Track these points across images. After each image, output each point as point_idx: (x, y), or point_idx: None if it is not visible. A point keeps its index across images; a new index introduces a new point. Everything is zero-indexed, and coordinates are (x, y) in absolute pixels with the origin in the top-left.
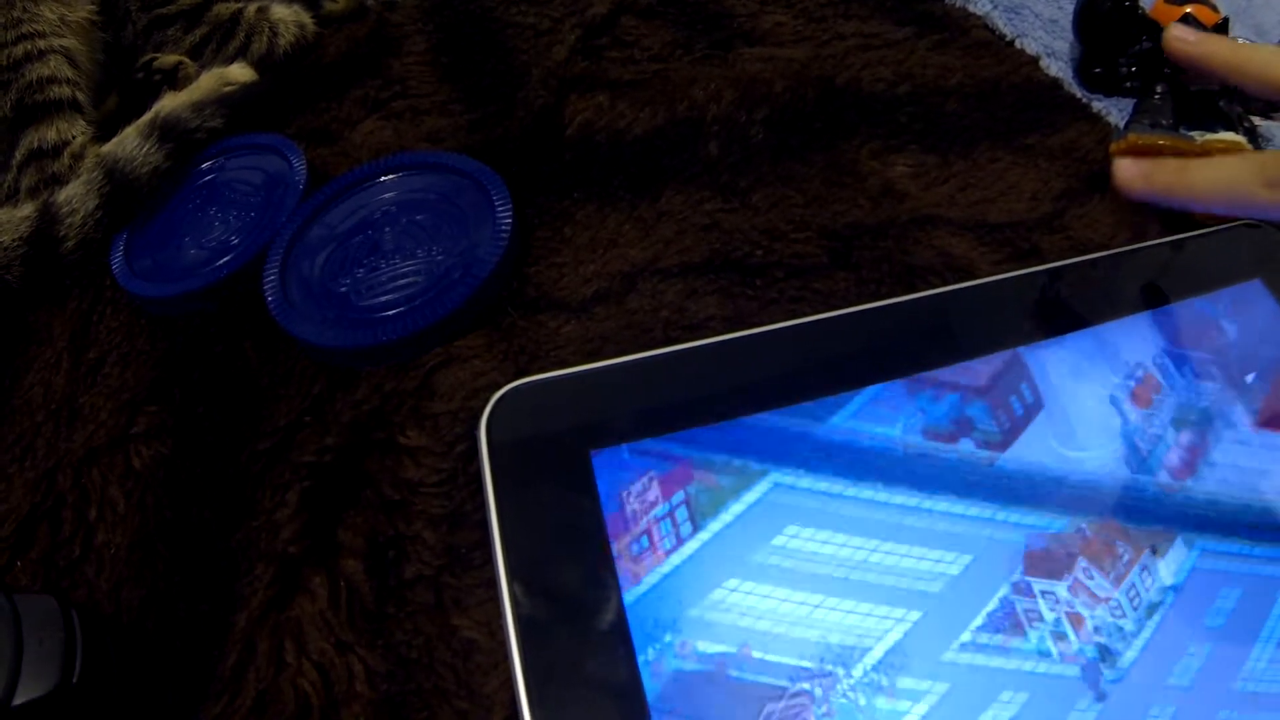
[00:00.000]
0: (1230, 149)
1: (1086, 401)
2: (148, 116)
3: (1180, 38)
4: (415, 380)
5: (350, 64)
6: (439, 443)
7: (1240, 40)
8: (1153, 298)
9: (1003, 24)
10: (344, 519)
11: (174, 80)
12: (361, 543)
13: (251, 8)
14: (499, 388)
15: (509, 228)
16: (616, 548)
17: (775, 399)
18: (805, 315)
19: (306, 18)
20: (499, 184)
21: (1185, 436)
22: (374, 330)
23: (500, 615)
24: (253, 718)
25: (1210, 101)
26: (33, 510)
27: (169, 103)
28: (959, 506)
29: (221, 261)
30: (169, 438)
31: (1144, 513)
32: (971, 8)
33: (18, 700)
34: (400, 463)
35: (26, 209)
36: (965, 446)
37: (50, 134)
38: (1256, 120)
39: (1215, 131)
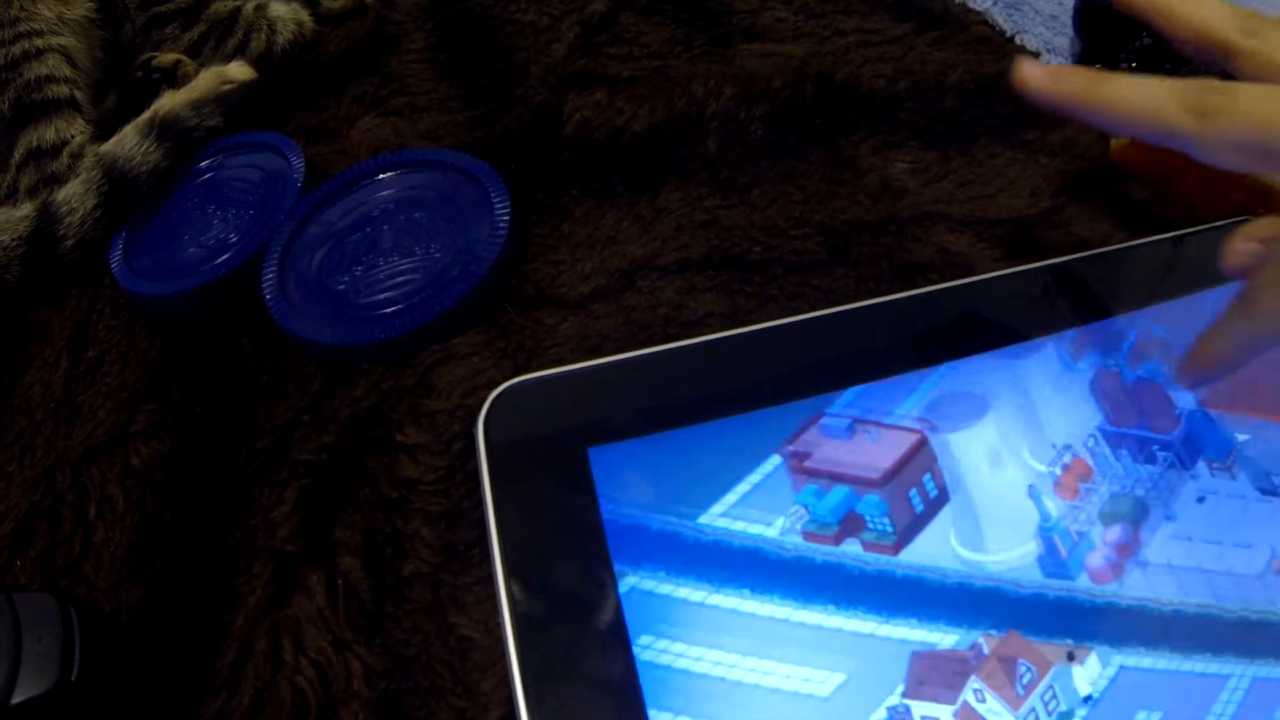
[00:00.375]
0: None
1: (1001, 493)
2: (146, 115)
3: None
4: (413, 378)
5: (349, 61)
6: (437, 440)
7: None
8: (1151, 294)
9: (1003, 20)
10: (341, 517)
11: (173, 78)
12: (359, 540)
13: (250, 5)
14: (497, 385)
15: (507, 225)
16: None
17: (774, 395)
18: (804, 312)
19: (305, 15)
20: (497, 181)
21: (1114, 533)
22: (372, 328)
23: (498, 613)
24: (251, 716)
25: None
26: (32, 509)
27: (168, 101)
28: (842, 613)
29: (220, 260)
30: (168, 436)
31: (1062, 618)
32: (971, 4)
33: (16, 698)
34: (398, 460)
35: (25, 208)
36: (855, 545)
37: (49, 133)
38: None
39: None
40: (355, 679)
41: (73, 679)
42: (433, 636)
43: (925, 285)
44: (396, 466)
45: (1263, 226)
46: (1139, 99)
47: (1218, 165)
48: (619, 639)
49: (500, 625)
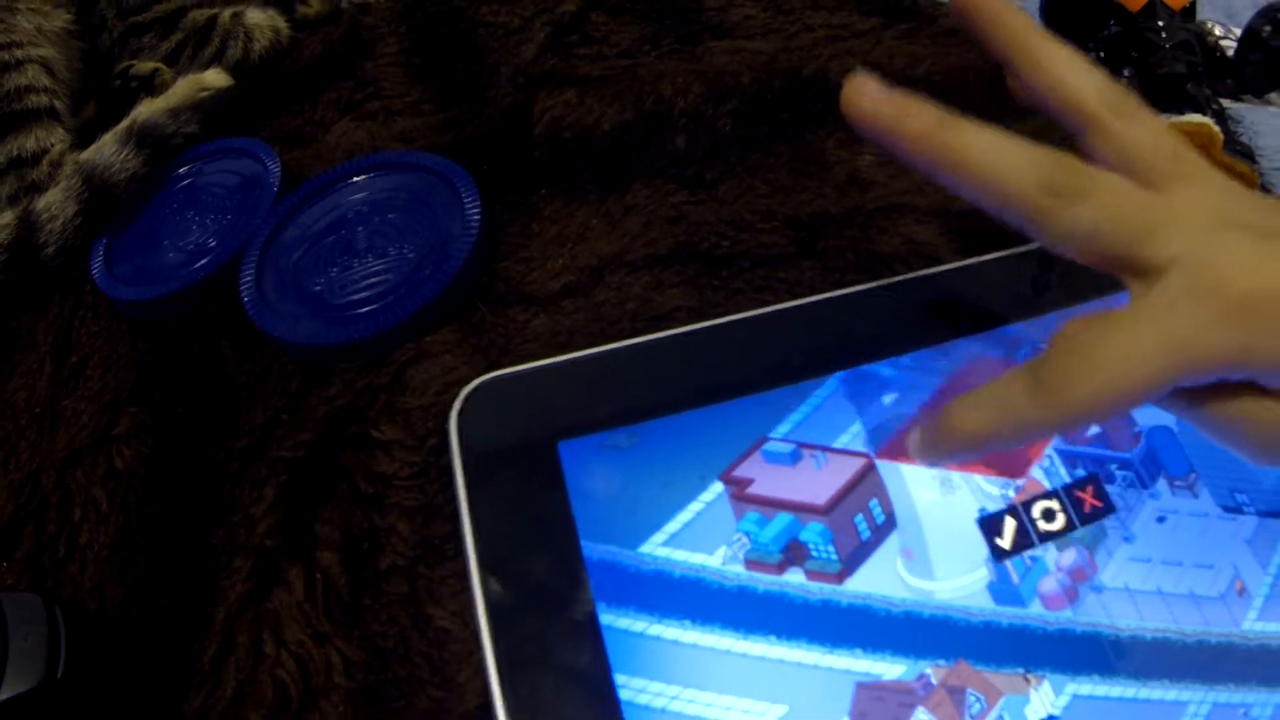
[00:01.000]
0: (1198, 131)
1: (952, 518)
2: (125, 123)
3: None
4: (388, 376)
5: (324, 66)
6: (411, 437)
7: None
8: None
9: None
10: (320, 513)
11: (151, 87)
12: (337, 535)
13: (226, 13)
14: (469, 382)
15: (478, 224)
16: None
17: (741, 387)
18: (771, 304)
19: (281, 22)
20: (468, 181)
21: (1069, 557)
22: (347, 327)
23: (472, 605)
24: (233, 709)
25: (1178, 84)
26: (17, 511)
27: (146, 109)
28: (784, 644)
29: (199, 264)
30: (150, 438)
31: (1013, 647)
32: None
33: (3, 695)
34: (374, 457)
35: (6, 216)
36: (798, 574)
37: (29, 142)
38: (1225, 103)
39: (1183, 114)
40: (335, 671)
41: (58, 676)
42: (410, 628)
43: (891, 276)
44: (373, 463)
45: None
46: (992, 161)
47: (1053, 249)
48: (590, 626)
49: (475, 617)
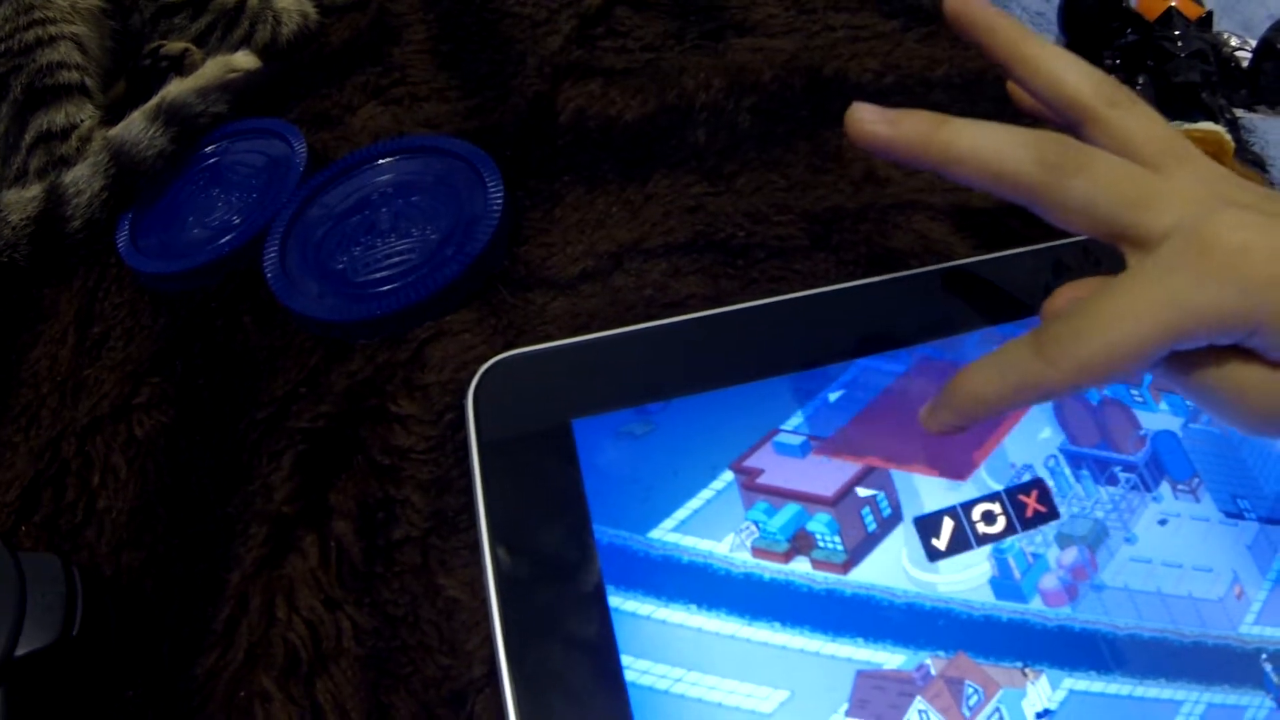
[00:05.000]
0: (1209, 138)
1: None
2: (154, 101)
3: None
4: (407, 352)
5: (352, 51)
6: (428, 411)
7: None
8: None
9: None
10: (336, 483)
11: (180, 67)
12: (352, 505)
13: None
14: (487, 360)
15: (500, 208)
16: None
17: (752, 372)
18: (784, 294)
19: (309, 6)
20: (491, 166)
21: (1070, 555)
22: (368, 304)
23: (482, 575)
24: (244, 670)
25: (1192, 93)
26: (37, 476)
27: (175, 88)
28: (788, 631)
29: (224, 240)
30: (170, 407)
31: (1013, 641)
32: None
33: (20, 651)
34: (391, 430)
35: (34, 189)
36: (804, 563)
37: (59, 117)
38: (1239, 112)
39: (1196, 122)
40: (345, 636)
41: (74, 634)
42: (421, 597)
43: (904, 270)
44: (390, 435)
45: (1088, 285)
46: (990, 147)
47: (1055, 223)
48: (598, 603)
49: (484, 587)
